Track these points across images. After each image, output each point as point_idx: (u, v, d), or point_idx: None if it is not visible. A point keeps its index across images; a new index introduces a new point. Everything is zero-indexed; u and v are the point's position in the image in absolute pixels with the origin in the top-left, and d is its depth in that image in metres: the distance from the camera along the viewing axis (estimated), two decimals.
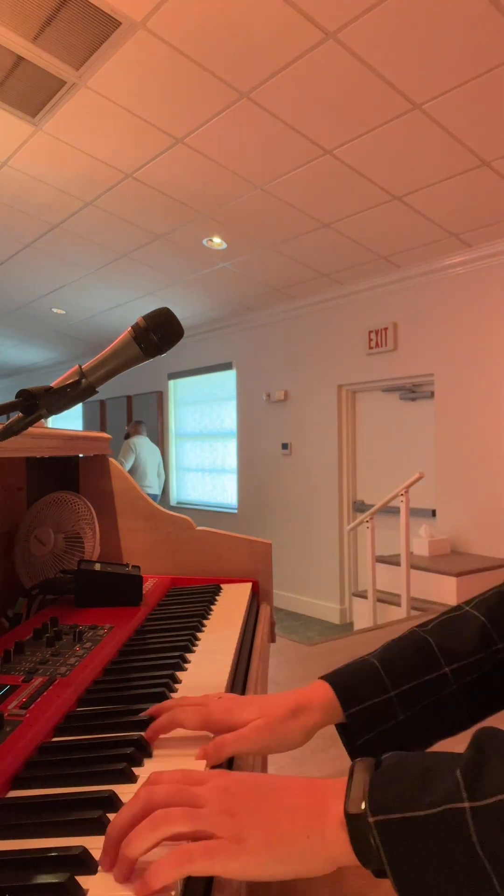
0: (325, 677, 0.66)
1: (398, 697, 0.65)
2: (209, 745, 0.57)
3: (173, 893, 0.40)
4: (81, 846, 0.43)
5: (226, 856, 0.41)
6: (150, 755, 0.58)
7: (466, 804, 0.39)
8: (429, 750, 0.67)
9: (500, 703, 0.69)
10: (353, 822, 0.41)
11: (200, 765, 0.57)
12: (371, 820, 0.41)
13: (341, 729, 0.66)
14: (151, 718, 0.63)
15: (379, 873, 0.41)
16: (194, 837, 0.42)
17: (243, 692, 0.79)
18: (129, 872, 0.42)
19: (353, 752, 0.65)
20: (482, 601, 0.73)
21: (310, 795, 0.45)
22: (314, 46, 2.35)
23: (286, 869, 0.42)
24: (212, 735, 0.61)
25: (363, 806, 0.42)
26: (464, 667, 0.67)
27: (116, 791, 0.50)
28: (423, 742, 0.66)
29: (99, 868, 0.42)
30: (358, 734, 0.64)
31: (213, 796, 0.44)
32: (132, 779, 0.53)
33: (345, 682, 0.65)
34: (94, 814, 0.47)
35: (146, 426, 6.64)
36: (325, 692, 0.64)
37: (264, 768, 0.96)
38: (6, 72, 2.57)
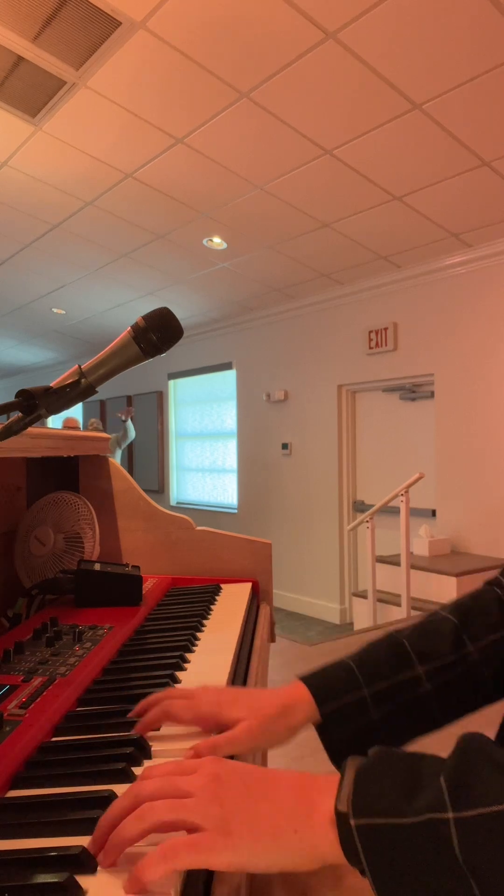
0: (302, 678, 0.67)
1: (372, 697, 0.66)
2: (202, 747, 0.57)
3: (172, 892, 0.40)
4: (81, 846, 0.43)
5: (210, 849, 0.41)
6: (149, 755, 0.59)
7: (450, 815, 0.39)
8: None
9: (473, 705, 0.70)
10: (341, 822, 0.41)
11: None
12: (353, 822, 0.41)
13: (319, 728, 0.66)
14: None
15: (364, 873, 0.41)
16: (187, 829, 0.43)
17: None
18: (115, 859, 0.42)
19: (331, 751, 0.66)
20: (457, 604, 0.74)
21: (299, 791, 0.45)
22: (314, 46, 2.35)
23: (272, 863, 0.42)
24: (201, 732, 0.62)
25: (347, 807, 0.42)
26: (437, 668, 0.68)
27: (116, 791, 0.50)
28: (397, 741, 0.67)
29: (98, 868, 0.42)
30: (333, 732, 0.65)
31: (203, 785, 0.44)
32: (132, 778, 0.53)
33: (320, 682, 0.67)
34: (93, 813, 0.47)
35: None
36: (302, 692, 0.66)
37: (264, 764, 0.96)
38: (6, 72, 2.57)
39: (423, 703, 0.67)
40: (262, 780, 0.46)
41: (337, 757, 0.66)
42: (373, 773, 0.43)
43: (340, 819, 0.41)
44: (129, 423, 6.35)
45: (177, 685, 0.74)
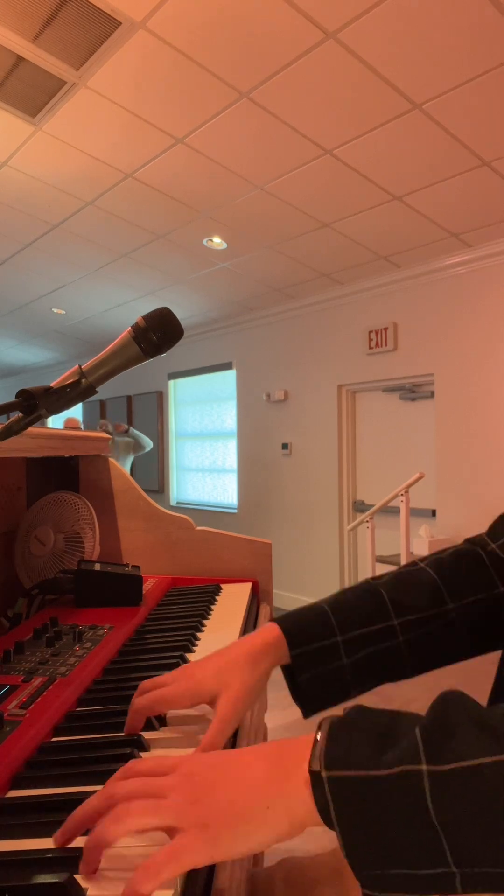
0: (276, 620, 0.67)
1: (344, 643, 0.66)
2: (199, 751, 0.56)
3: (171, 892, 0.40)
4: (81, 846, 0.43)
5: (190, 850, 0.40)
6: (149, 752, 0.59)
7: (424, 767, 0.38)
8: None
9: (444, 660, 0.70)
10: (315, 780, 0.41)
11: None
12: (324, 775, 0.40)
13: (286, 669, 0.67)
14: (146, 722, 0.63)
15: (333, 827, 0.40)
16: (165, 831, 0.42)
17: None
18: (97, 865, 0.42)
19: (295, 691, 0.66)
20: (437, 559, 0.74)
21: (271, 762, 0.44)
22: (314, 46, 2.35)
23: (253, 843, 0.41)
24: (197, 713, 0.63)
25: (320, 764, 0.41)
26: (412, 621, 0.68)
27: None
28: (360, 686, 0.67)
29: (99, 868, 0.42)
30: (300, 673, 0.65)
31: (178, 784, 0.44)
32: None
33: (294, 624, 0.67)
34: None
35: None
36: (275, 634, 0.66)
37: (265, 738, 0.96)
38: (6, 72, 2.57)
39: (395, 654, 0.67)
40: (233, 764, 0.45)
41: (298, 695, 0.66)
42: (346, 728, 0.43)
43: (314, 777, 0.41)
44: (136, 432, 6.27)
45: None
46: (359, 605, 0.69)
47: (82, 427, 7.24)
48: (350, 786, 0.39)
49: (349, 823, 0.39)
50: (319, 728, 0.44)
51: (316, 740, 0.43)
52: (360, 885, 0.39)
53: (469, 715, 0.41)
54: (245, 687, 0.61)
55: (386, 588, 0.70)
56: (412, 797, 0.37)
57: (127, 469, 6.40)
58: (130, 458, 6.40)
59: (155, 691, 0.61)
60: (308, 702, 0.66)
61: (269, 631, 0.66)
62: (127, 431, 6.25)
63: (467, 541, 0.77)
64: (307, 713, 0.66)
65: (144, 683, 0.64)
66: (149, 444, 6.32)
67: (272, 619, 0.68)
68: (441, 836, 0.37)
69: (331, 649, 0.66)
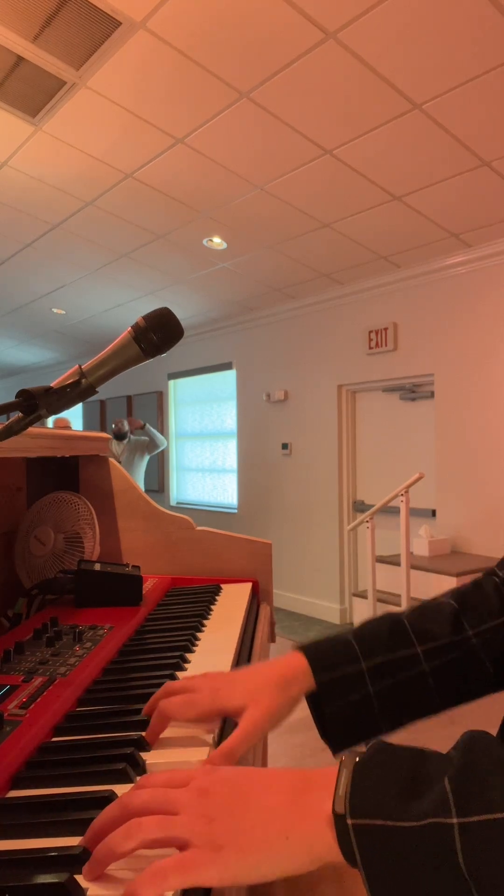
0: (298, 648, 0.67)
1: (369, 670, 0.65)
2: (216, 755, 0.56)
3: (171, 892, 0.40)
4: (81, 846, 0.43)
5: (200, 867, 0.40)
6: (149, 752, 0.58)
7: (455, 819, 0.37)
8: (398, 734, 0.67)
9: (472, 691, 0.69)
10: (338, 822, 0.40)
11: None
12: (350, 822, 0.39)
13: (311, 700, 0.65)
14: (150, 717, 0.63)
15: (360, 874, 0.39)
16: (176, 845, 0.42)
17: None
18: (101, 873, 0.41)
19: (321, 722, 0.65)
20: (457, 590, 0.74)
21: (293, 792, 0.43)
22: (314, 46, 2.35)
23: (266, 872, 0.41)
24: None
25: (344, 807, 0.40)
26: (435, 648, 0.67)
27: (116, 791, 0.50)
28: (390, 721, 0.66)
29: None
30: (326, 703, 0.64)
31: (192, 800, 0.43)
32: (132, 779, 0.53)
33: (318, 652, 0.66)
34: (94, 814, 0.47)
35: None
36: (301, 661, 0.65)
37: (264, 763, 0.96)
38: (6, 72, 2.57)
39: (420, 683, 0.66)
40: (251, 787, 0.44)
41: (327, 730, 0.65)
42: (371, 770, 0.42)
43: (339, 821, 0.40)
44: (152, 430, 6.18)
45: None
46: (382, 633, 0.68)
47: (72, 427, 7.21)
48: (377, 835, 0.38)
49: (376, 872, 0.38)
50: (342, 765, 0.43)
51: (338, 779, 0.42)
52: None
53: (499, 762, 0.40)
54: (274, 706, 0.60)
55: (407, 618, 0.70)
56: (442, 849, 0.37)
57: (142, 470, 6.37)
58: (146, 459, 6.34)
59: (184, 696, 0.61)
60: (336, 737, 0.65)
61: (294, 658, 0.65)
62: (143, 428, 6.18)
63: (486, 572, 0.77)
64: (336, 749, 0.65)
65: (171, 685, 0.63)
66: (163, 442, 6.27)
67: (295, 647, 0.67)
68: (472, 885, 0.36)
69: (356, 677, 0.65)
